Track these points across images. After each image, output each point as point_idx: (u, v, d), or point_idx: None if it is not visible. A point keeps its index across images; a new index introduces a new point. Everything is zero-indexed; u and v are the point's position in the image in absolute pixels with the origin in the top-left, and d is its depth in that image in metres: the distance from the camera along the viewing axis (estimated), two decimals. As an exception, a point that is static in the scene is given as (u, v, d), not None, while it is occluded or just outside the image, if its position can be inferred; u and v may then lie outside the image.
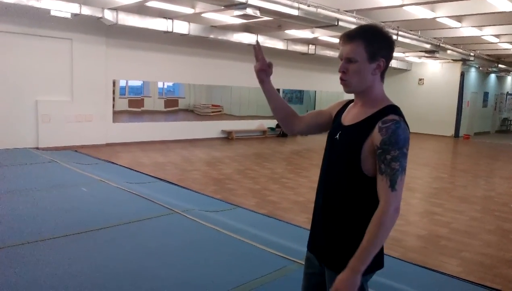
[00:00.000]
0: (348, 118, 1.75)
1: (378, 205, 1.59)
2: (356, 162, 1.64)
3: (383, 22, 9.49)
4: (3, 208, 5.06)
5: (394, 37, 10.04)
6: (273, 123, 15.06)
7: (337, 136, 1.74)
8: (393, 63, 17.79)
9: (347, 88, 1.71)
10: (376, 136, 1.58)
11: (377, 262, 1.69)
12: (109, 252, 3.90)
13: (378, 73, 1.68)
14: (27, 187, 6.09)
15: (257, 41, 2.18)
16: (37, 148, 9.50)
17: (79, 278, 3.33)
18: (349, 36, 1.65)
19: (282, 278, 3.47)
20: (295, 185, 7.22)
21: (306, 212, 5.44)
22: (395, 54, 15.89)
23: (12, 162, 7.92)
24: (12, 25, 9.04)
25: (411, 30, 10.71)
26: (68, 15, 8.82)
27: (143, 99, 20.34)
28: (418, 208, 6.29)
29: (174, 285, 3.30)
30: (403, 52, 15.50)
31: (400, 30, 10.32)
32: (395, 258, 4.10)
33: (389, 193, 1.56)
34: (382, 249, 1.69)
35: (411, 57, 16.96)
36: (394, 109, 1.64)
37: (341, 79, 1.69)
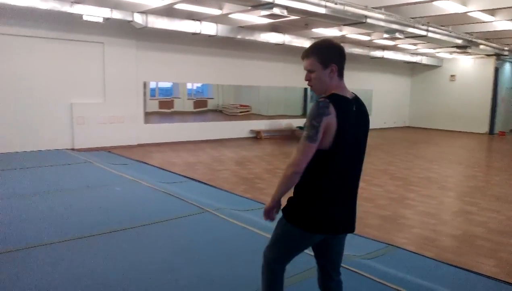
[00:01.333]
0: None
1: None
2: None
3: (412, 18, 9.34)
4: (42, 207, 5.26)
5: (424, 33, 9.97)
6: (301, 122, 15.02)
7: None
8: (423, 60, 17.44)
9: (315, 92, 2.23)
10: None
11: (302, 220, 2.15)
12: (142, 250, 4.00)
13: (334, 75, 2.16)
14: (64, 186, 6.31)
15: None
16: (73, 149, 9.80)
17: (113, 275, 3.43)
18: (306, 54, 2.20)
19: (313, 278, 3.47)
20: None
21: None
22: (425, 50, 15.61)
23: (50, 162, 8.20)
24: (47, 31, 9.35)
25: (442, 26, 10.47)
26: (100, 20, 9.06)
27: (173, 100, 20.63)
28: (452, 207, 6.16)
29: (205, 283, 3.36)
30: (434, 49, 15.18)
31: (430, 26, 10.11)
32: (429, 258, 4.04)
33: (294, 151, 2.09)
34: (315, 214, 2.13)
35: (442, 53, 16.57)
36: (329, 96, 2.11)
37: (309, 85, 2.22)
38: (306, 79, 2.21)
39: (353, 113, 2.14)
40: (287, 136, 14.14)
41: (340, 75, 2.19)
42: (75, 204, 5.42)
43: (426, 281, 3.45)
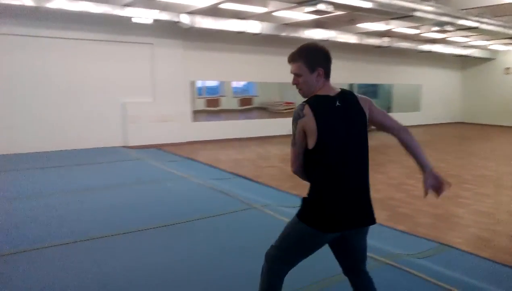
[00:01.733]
0: None
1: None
2: None
3: (463, 9, 8.99)
4: (100, 202, 5.53)
5: (475, 24, 9.56)
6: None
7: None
8: (475, 53, 16.71)
9: (302, 95, 2.28)
10: None
11: (312, 219, 2.15)
12: (191, 244, 4.11)
13: (321, 78, 2.20)
14: (119, 182, 6.61)
15: None
16: (126, 147, 10.19)
17: (162, 269, 3.55)
18: (292, 58, 2.24)
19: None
20: (372, 181, 7.06)
21: (386, 209, 5.35)
22: (477, 42, 14.94)
23: (105, 159, 8.59)
24: (99, 33, 9.77)
25: (496, 16, 10.01)
26: (149, 21, 9.37)
27: (219, 98, 21.03)
28: (510, 206, 5.90)
29: (252, 279, 3.40)
30: (487, 41, 14.51)
31: (482, 17, 9.69)
32: (484, 258, 3.91)
33: None
34: (323, 213, 2.13)
35: (495, 45, 15.80)
36: (309, 98, 2.20)
37: (297, 88, 2.28)
38: (294, 83, 2.28)
39: (336, 109, 2.17)
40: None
41: (327, 77, 2.24)
42: (130, 199, 5.66)
43: (481, 282, 3.34)
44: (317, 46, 2.26)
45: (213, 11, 9.69)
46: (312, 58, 2.21)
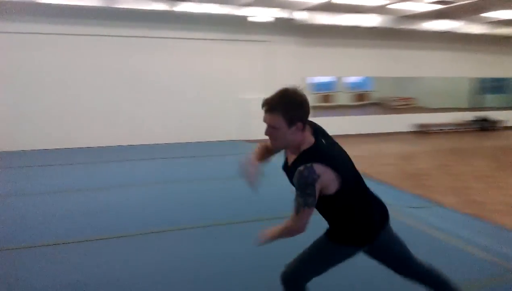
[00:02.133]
0: (289, 158, 2.19)
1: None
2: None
3: None
4: (226, 191, 5.92)
5: None
6: (471, 115, 13.68)
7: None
8: None
9: (275, 148, 2.23)
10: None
11: (353, 240, 2.23)
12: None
13: (299, 131, 2.04)
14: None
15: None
16: (246, 141, 10.63)
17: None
18: (270, 108, 2.05)
19: (498, 288, 3.19)
20: (503, 184, 6.48)
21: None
22: None
23: (225, 152, 9.11)
24: (219, 33, 10.32)
25: None
26: (265, 19, 9.66)
27: (333, 94, 20.87)
28: None
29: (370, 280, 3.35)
30: None
31: None
32: None
33: (294, 215, 2.07)
34: (361, 232, 2.21)
35: None
36: (306, 156, 2.03)
37: (270, 139, 2.12)
38: (266, 134, 2.11)
39: (331, 147, 2.17)
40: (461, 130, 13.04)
41: (304, 128, 2.08)
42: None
43: None
44: (297, 97, 2.05)
45: (327, 7, 9.65)
46: (292, 113, 2.02)
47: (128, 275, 3.37)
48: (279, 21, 10.13)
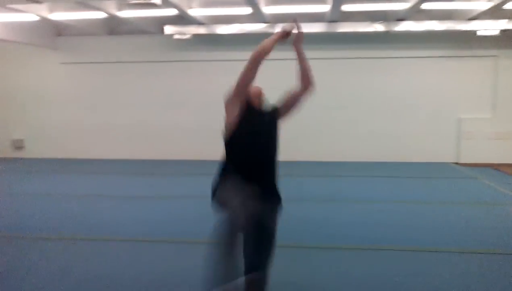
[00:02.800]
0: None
1: None
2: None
3: None
4: (432, 215, 5.79)
5: None
6: None
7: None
8: None
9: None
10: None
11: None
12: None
13: None
14: (452, 198, 6.67)
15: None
16: (457, 163, 10.04)
17: None
18: None
19: None
20: None
21: None
22: None
23: (433, 175, 8.77)
24: (435, 50, 9.91)
25: None
26: (495, 33, 8.89)
27: None
28: None
29: None
30: None
31: None
32: None
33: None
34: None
35: None
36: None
37: None
38: None
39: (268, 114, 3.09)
40: None
41: None
42: (430, 218, 5.67)
43: None
44: None
45: None
46: None
47: None
48: (507, 34, 9.18)
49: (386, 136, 10.24)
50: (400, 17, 8.87)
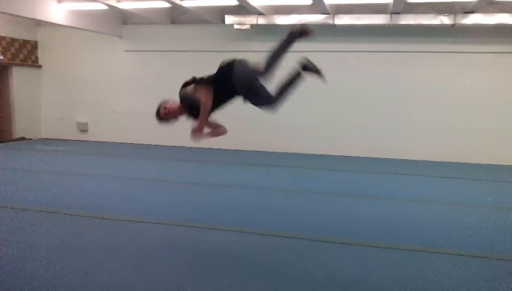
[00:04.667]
0: None
1: None
2: None
3: None
4: None
5: None
6: None
7: None
8: None
9: None
10: None
11: None
12: None
13: None
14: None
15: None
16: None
17: None
18: None
19: None
20: None
21: None
22: None
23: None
24: (503, 45, 9.31)
25: None
26: None
27: None
28: None
29: None
30: None
31: None
32: None
33: None
34: None
35: None
36: None
37: None
38: None
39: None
40: None
41: None
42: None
43: None
44: None
45: None
46: None
47: None
48: None
49: (450, 134, 9.82)
50: (468, 9, 8.44)
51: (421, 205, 6.01)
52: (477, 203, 6.24)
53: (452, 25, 8.84)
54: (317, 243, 4.41)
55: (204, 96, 3.76)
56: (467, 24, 8.75)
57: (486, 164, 9.52)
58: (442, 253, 4.20)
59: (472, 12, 8.59)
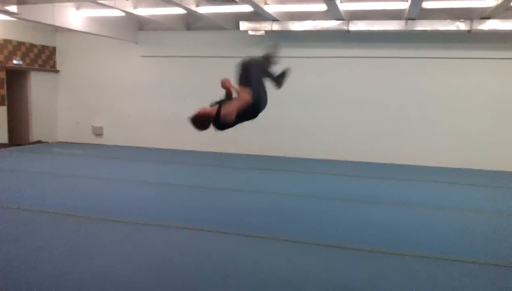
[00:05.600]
0: None
1: None
2: None
3: None
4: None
5: None
6: None
7: None
8: None
9: None
10: None
11: None
12: None
13: None
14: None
15: None
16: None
17: None
18: None
19: None
20: None
21: None
22: None
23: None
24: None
25: None
26: None
27: None
28: None
29: None
30: None
31: None
32: None
33: None
34: None
35: None
36: None
37: None
38: None
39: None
40: None
41: None
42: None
43: None
44: None
45: None
46: None
47: None
48: None
49: (465, 140, 9.71)
50: (484, 15, 8.36)
51: (438, 211, 5.94)
52: (495, 210, 6.16)
53: (469, 31, 8.75)
54: (330, 248, 4.40)
55: (247, 95, 4.24)
56: (483, 30, 8.67)
57: (504, 171, 9.38)
58: (458, 261, 4.16)
59: (488, 18, 8.50)
